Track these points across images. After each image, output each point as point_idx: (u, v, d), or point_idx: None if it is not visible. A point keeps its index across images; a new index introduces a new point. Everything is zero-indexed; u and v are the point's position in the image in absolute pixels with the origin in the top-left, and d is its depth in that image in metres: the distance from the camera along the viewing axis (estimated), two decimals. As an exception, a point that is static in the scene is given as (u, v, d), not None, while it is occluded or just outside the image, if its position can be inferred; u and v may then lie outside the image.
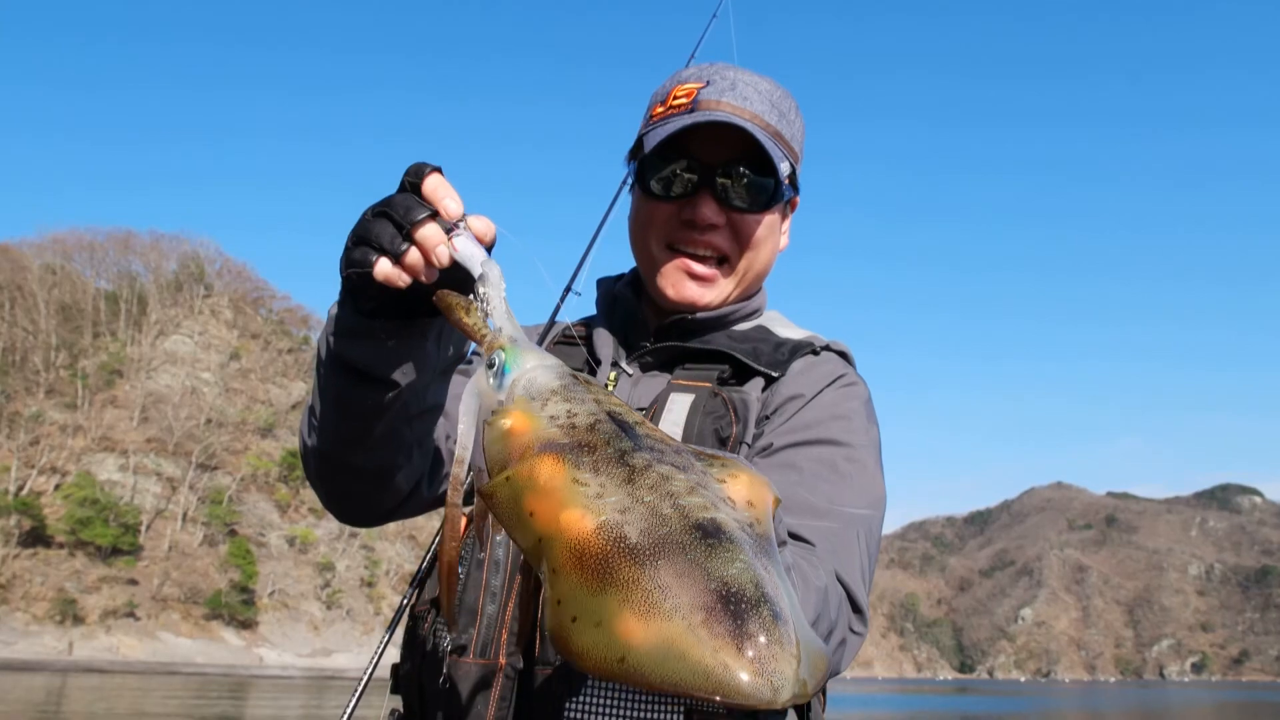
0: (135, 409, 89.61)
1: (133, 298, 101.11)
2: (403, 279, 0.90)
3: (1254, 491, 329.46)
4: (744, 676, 0.55)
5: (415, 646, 1.20)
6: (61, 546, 74.12)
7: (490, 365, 0.79)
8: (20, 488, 76.44)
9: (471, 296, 0.86)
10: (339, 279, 0.98)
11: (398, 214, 0.90)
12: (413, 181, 0.91)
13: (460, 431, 0.80)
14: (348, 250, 0.94)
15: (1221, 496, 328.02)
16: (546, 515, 0.64)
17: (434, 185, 0.90)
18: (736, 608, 0.57)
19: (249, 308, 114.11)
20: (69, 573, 72.47)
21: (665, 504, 0.63)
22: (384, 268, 0.90)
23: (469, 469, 0.79)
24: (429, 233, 0.89)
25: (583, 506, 0.63)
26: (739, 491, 0.70)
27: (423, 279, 0.91)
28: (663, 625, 0.57)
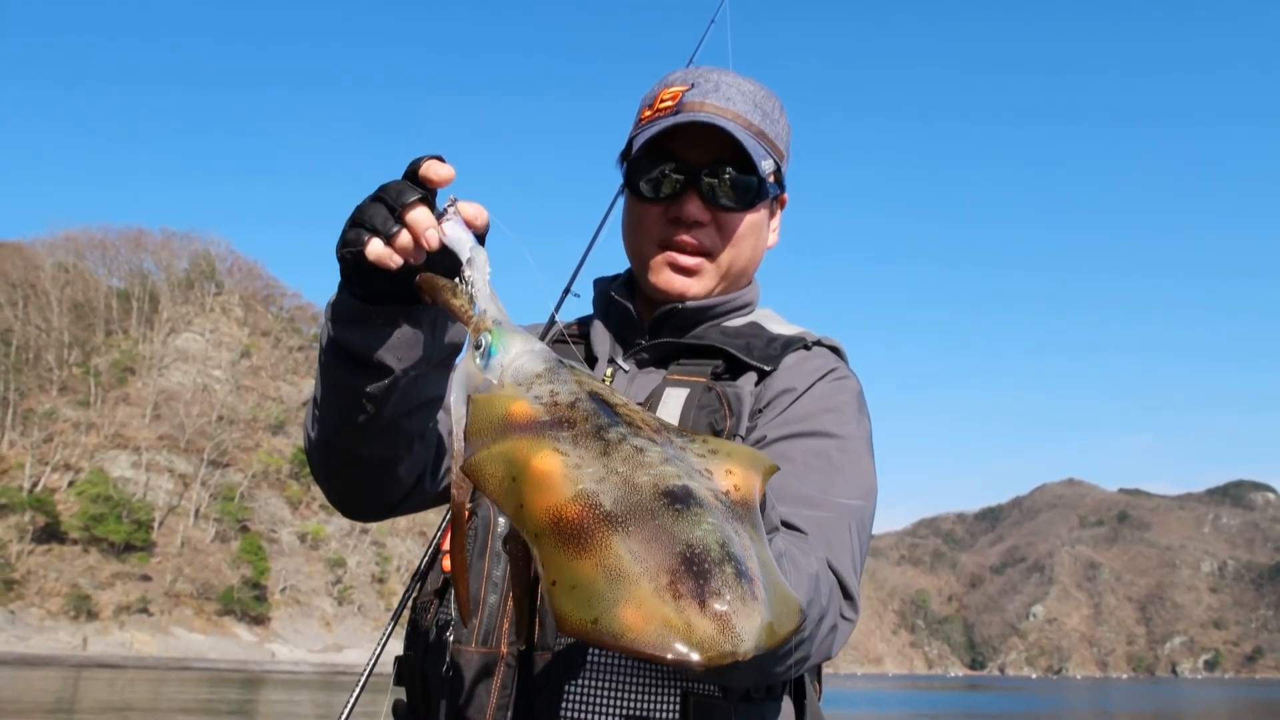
0: (147, 406, 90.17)
1: (144, 296, 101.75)
2: (394, 260, 0.94)
3: (1267, 488, 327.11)
4: (705, 632, 0.57)
5: (418, 637, 1.22)
6: (75, 543, 74.70)
7: (477, 347, 0.82)
8: (34, 484, 77.08)
9: (458, 280, 0.90)
10: (336, 265, 1.01)
11: (390, 197, 0.94)
12: (412, 169, 0.96)
13: (454, 419, 0.82)
14: (343, 232, 0.98)
15: (1235, 493, 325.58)
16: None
17: (426, 166, 0.95)
18: (700, 567, 0.59)
19: (260, 305, 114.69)
20: (83, 569, 73.04)
21: (638, 474, 0.66)
22: (375, 248, 0.94)
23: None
24: (419, 215, 0.93)
25: (562, 476, 0.66)
26: (718, 463, 0.72)
27: (412, 260, 0.95)
28: (632, 589, 0.59)
